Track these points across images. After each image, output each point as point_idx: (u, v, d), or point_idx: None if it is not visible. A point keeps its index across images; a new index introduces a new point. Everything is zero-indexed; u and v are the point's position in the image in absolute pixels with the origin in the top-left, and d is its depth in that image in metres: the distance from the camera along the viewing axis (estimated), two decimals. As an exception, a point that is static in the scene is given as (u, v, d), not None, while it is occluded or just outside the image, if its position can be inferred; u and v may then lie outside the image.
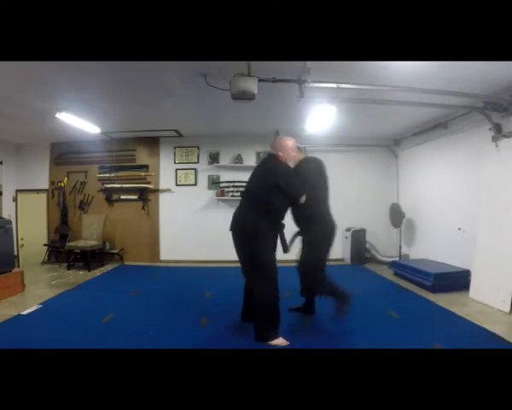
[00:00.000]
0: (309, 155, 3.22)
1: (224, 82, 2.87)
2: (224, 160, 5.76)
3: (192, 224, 5.74)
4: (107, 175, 5.76)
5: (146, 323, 2.88)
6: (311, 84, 2.69)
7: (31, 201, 5.88)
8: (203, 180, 5.81)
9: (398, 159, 5.85)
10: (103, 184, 5.74)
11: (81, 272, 4.93)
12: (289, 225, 2.77)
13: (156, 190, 5.80)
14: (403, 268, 4.54)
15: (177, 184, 5.83)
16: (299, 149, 2.77)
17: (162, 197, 5.82)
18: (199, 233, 5.69)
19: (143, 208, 5.77)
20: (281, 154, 2.51)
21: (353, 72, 2.78)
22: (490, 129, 3.48)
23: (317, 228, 2.66)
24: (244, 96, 2.66)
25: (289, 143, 2.56)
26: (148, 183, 5.77)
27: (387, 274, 4.77)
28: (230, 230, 2.52)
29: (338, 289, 2.73)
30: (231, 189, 5.64)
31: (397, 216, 5.25)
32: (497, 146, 3.47)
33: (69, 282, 4.36)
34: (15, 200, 5.84)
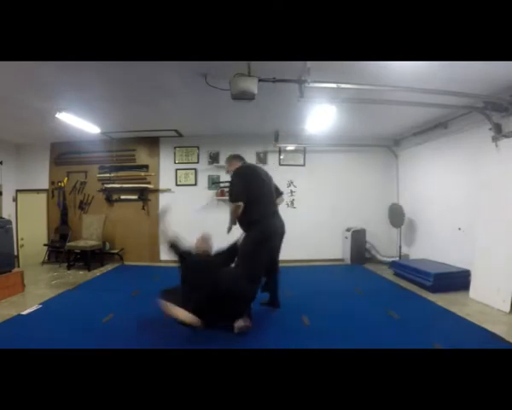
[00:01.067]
0: (250, 162, 3.38)
1: (224, 82, 2.87)
2: (224, 160, 5.75)
3: (192, 224, 5.72)
4: (107, 175, 5.76)
5: (146, 323, 2.88)
6: (311, 84, 2.69)
7: (31, 201, 5.88)
8: (203, 180, 5.80)
9: (398, 159, 5.85)
10: (103, 184, 5.74)
11: (81, 272, 4.93)
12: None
13: (156, 190, 5.80)
14: (403, 268, 4.54)
15: (177, 184, 5.83)
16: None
17: (162, 197, 5.82)
18: (199, 233, 5.67)
19: (143, 208, 5.77)
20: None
21: (353, 72, 2.78)
22: (490, 129, 3.48)
23: (249, 232, 2.84)
24: (244, 96, 2.66)
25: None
26: (148, 183, 5.77)
27: (387, 274, 4.77)
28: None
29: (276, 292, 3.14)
30: (231, 189, 5.64)
31: (398, 216, 5.25)
32: (497, 146, 3.47)
33: (69, 282, 4.36)
34: (15, 200, 5.84)
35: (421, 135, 4.88)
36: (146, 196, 5.77)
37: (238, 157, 3.19)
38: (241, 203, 2.74)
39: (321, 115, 3.89)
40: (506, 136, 3.34)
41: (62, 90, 3.34)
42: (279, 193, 3.22)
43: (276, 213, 2.97)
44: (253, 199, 2.78)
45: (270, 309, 3.16)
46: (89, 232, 5.46)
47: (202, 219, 5.70)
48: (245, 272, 2.75)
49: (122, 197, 5.79)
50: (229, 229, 3.03)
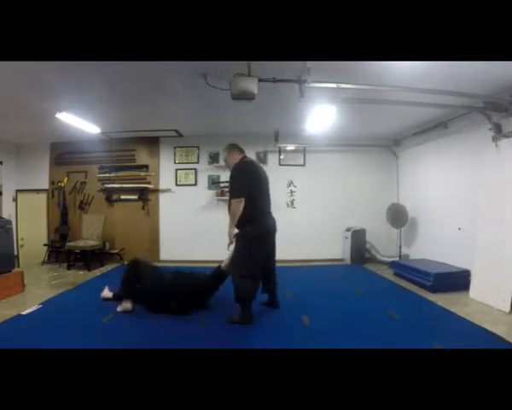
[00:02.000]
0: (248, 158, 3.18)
1: (224, 82, 2.87)
2: (223, 158, 5.76)
3: (192, 224, 5.75)
4: (107, 175, 5.77)
5: (146, 323, 2.88)
6: (311, 84, 2.69)
7: (31, 201, 5.88)
8: (203, 180, 5.81)
9: (398, 159, 5.85)
10: (103, 184, 5.74)
11: (81, 272, 4.93)
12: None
13: (156, 190, 5.80)
14: (403, 268, 4.54)
15: (177, 184, 5.83)
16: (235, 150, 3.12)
17: (162, 197, 5.82)
18: (199, 233, 5.69)
19: (143, 208, 5.77)
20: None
21: (354, 72, 2.78)
22: (490, 129, 3.48)
23: (245, 230, 2.80)
24: (244, 96, 2.66)
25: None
26: (148, 183, 5.77)
27: (387, 274, 4.77)
28: None
29: (250, 307, 2.83)
30: (231, 189, 5.63)
31: (400, 216, 5.22)
32: (497, 146, 3.47)
33: (69, 282, 4.36)
34: (15, 200, 5.83)
35: (421, 135, 4.88)
36: (146, 196, 5.77)
37: (238, 148, 3.09)
38: (242, 199, 2.72)
39: (321, 115, 3.89)
40: (506, 136, 3.34)
41: (62, 90, 3.33)
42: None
43: (269, 213, 3.00)
44: (252, 196, 2.77)
45: (270, 309, 3.16)
46: (89, 232, 5.46)
47: (202, 219, 5.72)
48: (241, 269, 2.74)
49: (122, 197, 5.80)
50: (231, 238, 2.85)
